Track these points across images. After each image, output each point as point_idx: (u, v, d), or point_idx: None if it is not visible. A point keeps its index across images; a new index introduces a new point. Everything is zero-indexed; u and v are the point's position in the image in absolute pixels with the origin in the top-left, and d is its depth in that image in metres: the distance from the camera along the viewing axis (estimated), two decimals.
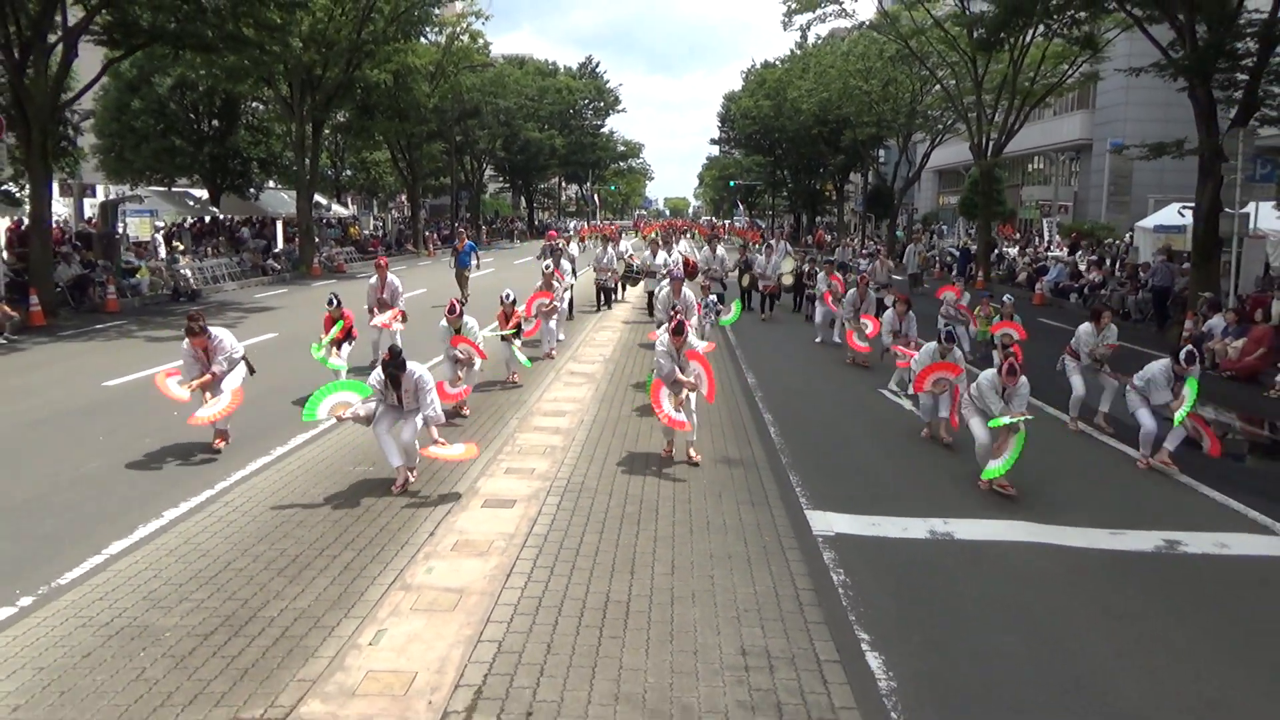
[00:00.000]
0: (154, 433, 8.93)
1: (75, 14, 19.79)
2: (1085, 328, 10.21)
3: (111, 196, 29.32)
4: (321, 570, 5.75)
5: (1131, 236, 28.12)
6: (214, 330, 8.65)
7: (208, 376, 8.45)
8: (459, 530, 6.51)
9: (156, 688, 4.33)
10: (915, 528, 6.85)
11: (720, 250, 21.23)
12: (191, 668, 4.52)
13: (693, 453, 8.53)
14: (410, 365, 7.42)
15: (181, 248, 26.12)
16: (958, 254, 33.92)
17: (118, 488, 7.48)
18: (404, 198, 57.14)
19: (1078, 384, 10.21)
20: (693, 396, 8.52)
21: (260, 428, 9.30)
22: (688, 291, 11.99)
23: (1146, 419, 8.62)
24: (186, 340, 8.50)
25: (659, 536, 6.49)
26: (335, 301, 10.79)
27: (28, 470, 7.93)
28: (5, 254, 21.84)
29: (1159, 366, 8.57)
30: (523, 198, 76.87)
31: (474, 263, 21.46)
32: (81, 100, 22.91)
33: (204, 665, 4.54)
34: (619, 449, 8.88)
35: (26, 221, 25.21)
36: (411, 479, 7.55)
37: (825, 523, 6.87)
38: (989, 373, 8.03)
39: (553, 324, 14.42)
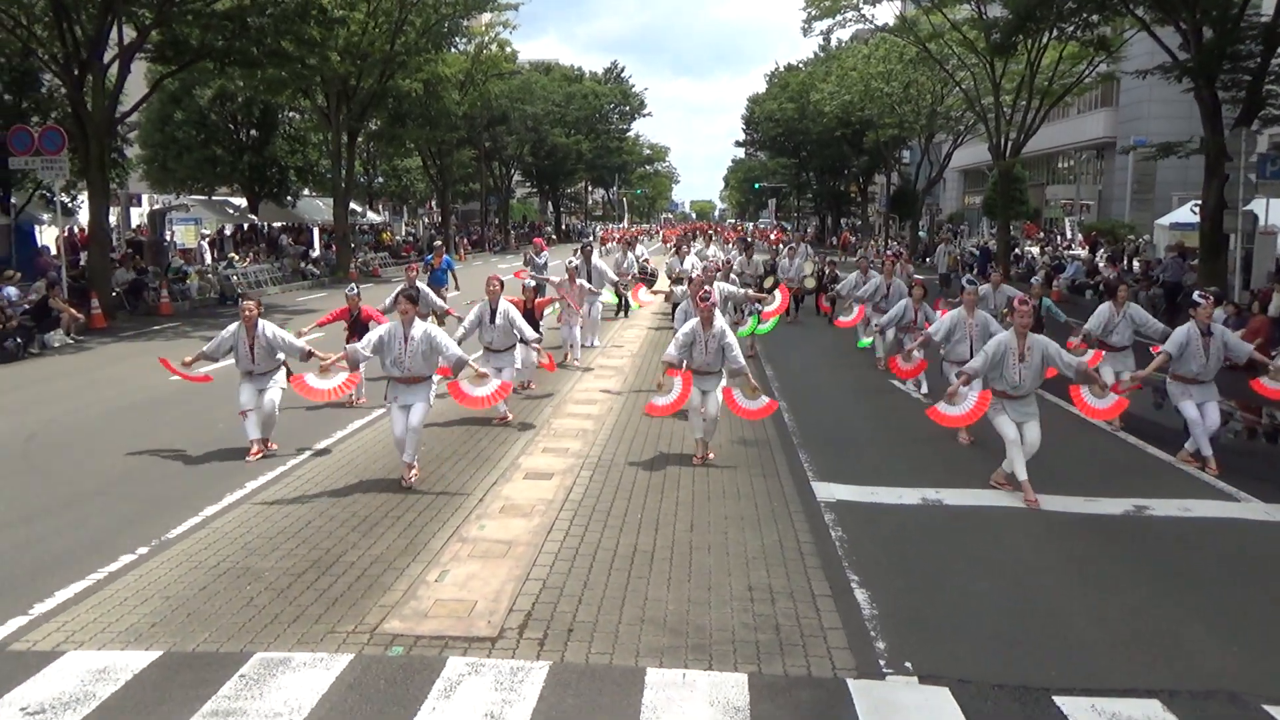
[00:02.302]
0: (226, 419, 9.90)
1: (129, 33, 21.03)
2: (1104, 308, 10.22)
3: (156, 205, 30.61)
4: (389, 527, 6.69)
5: (1134, 235, 28.52)
6: (263, 324, 8.46)
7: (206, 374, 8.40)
8: (505, 497, 7.42)
9: (264, 611, 5.28)
10: (909, 496, 7.66)
11: (756, 257, 21.39)
12: (290, 598, 5.46)
13: (710, 453, 8.74)
14: (419, 321, 7.60)
15: (235, 256, 27.45)
16: (978, 253, 34.40)
17: (202, 463, 8.48)
18: (434, 203, 58.44)
19: (1107, 373, 9.89)
20: (713, 403, 8.54)
21: (323, 415, 10.29)
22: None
23: (1190, 410, 8.50)
24: (239, 323, 8.46)
25: (680, 501, 7.37)
26: (355, 289, 10.98)
27: (122, 449, 8.96)
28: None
29: (1181, 333, 8.51)
30: (550, 202, 78.03)
31: (451, 282, 18.83)
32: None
33: (300, 595, 5.49)
34: (646, 432, 9.75)
35: (78, 230, 26.64)
36: (411, 478, 7.73)
37: (828, 491, 7.71)
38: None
39: (576, 331, 14.64)
